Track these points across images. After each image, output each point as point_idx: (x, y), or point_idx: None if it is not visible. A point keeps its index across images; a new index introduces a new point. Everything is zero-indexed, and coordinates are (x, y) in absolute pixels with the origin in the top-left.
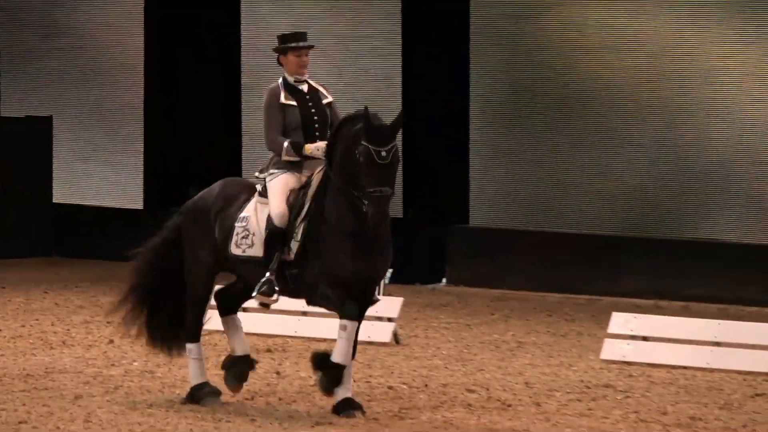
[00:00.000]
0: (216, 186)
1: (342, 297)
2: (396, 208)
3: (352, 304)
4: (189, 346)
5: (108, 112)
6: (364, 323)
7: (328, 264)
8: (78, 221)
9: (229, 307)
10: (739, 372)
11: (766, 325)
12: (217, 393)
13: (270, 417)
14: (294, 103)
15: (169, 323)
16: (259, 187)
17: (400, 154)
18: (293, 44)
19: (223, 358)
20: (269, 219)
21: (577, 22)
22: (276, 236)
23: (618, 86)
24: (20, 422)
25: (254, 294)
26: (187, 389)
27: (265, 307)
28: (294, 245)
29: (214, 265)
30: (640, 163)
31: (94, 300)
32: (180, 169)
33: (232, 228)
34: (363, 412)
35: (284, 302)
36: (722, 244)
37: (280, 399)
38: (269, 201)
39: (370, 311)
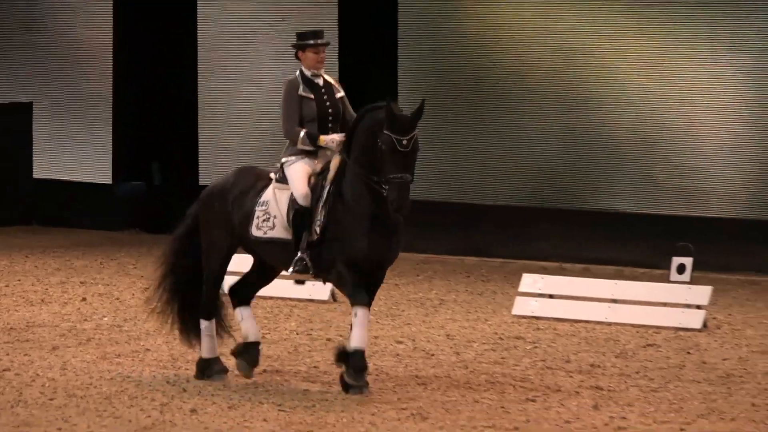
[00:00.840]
0: (231, 175)
1: (355, 282)
2: None
3: (363, 292)
4: (203, 323)
5: (81, 98)
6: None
7: (345, 244)
8: (55, 194)
9: (243, 299)
10: (632, 325)
11: (656, 285)
12: (225, 371)
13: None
14: (311, 96)
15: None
16: (273, 175)
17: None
18: (312, 41)
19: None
20: (293, 200)
21: (493, 17)
22: (302, 216)
23: (529, 75)
24: (4, 370)
25: (290, 271)
26: (196, 363)
27: (300, 283)
28: (317, 226)
29: (231, 247)
30: (548, 143)
31: (69, 263)
32: (143, 148)
33: (252, 212)
34: (363, 380)
35: (235, 261)
36: (618, 214)
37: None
38: (291, 184)
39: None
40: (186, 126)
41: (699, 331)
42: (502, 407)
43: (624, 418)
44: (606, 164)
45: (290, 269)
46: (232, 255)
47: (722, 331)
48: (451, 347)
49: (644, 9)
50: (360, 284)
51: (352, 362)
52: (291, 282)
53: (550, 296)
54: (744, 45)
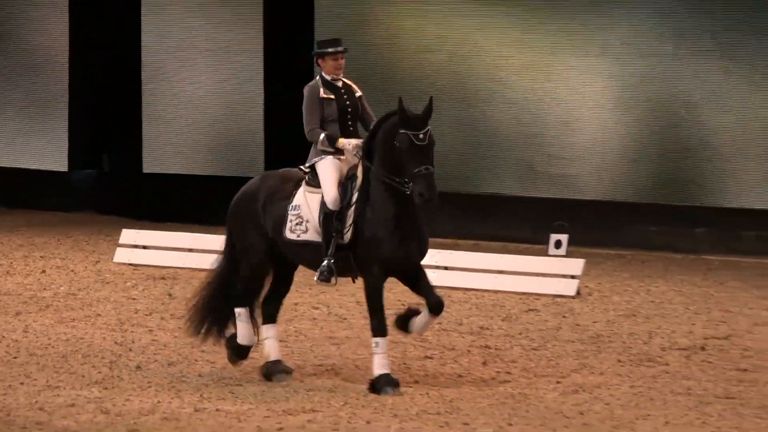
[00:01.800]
0: (257, 180)
1: (380, 312)
2: (258, 168)
3: (384, 322)
4: (238, 310)
5: (41, 98)
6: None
7: (375, 247)
8: (18, 180)
9: (270, 317)
10: (516, 293)
11: (537, 258)
12: (246, 352)
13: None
14: (332, 96)
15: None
16: (306, 173)
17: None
18: (331, 49)
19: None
20: (323, 204)
21: (397, 25)
22: (331, 220)
23: (428, 75)
24: None
25: (315, 280)
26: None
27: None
28: (347, 231)
29: (267, 248)
30: (445, 135)
31: (30, 240)
32: (95, 140)
33: (285, 216)
34: (398, 388)
35: (174, 239)
36: (503, 197)
37: (172, 315)
38: (322, 184)
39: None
40: (131, 121)
41: (573, 297)
42: (404, 363)
43: (509, 372)
44: (493, 153)
45: (315, 278)
46: (269, 254)
47: (593, 297)
48: (360, 312)
49: (526, 19)
50: (384, 314)
51: (382, 383)
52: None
53: (446, 268)
54: (611, 50)
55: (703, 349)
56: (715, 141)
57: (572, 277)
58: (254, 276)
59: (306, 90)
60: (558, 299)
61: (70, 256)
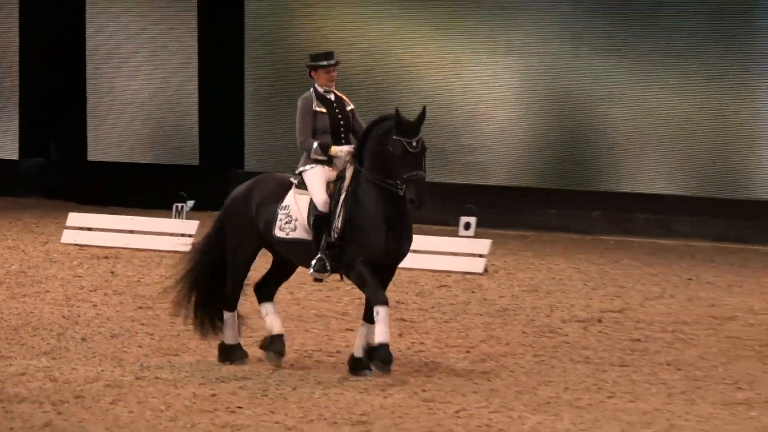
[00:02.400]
0: (252, 182)
1: (374, 284)
2: (193, 157)
3: (382, 291)
4: (227, 313)
5: None
6: (171, 239)
7: (363, 244)
8: None
9: (267, 296)
10: (429, 270)
11: (448, 238)
12: (245, 355)
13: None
14: (324, 110)
15: (213, 307)
16: (294, 180)
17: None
18: (325, 62)
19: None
20: (313, 206)
21: (321, 27)
22: (321, 220)
23: (349, 72)
24: None
25: (310, 271)
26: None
27: (319, 281)
28: (336, 228)
29: (256, 247)
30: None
31: None
32: (44, 131)
33: (275, 215)
34: (388, 367)
35: (116, 221)
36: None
37: (113, 292)
38: (311, 191)
39: (170, 229)
40: (77, 113)
41: (481, 275)
42: (327, 335)
43: (422, 343)
44: None
45: (310, 269)
46: (256, 254)
47: (499, 274)
48: (286, 288)
49: (438, 21)
50: (378, 285)
51: (378, 355)
52: (161, 236)
53: None
54: (515, 49)
55: (599, 321)
56: (609, 131)
57: (480, 256)
58: (240, 275)
59: (300, 102)
60: (467, 276)
61: (20, 238)
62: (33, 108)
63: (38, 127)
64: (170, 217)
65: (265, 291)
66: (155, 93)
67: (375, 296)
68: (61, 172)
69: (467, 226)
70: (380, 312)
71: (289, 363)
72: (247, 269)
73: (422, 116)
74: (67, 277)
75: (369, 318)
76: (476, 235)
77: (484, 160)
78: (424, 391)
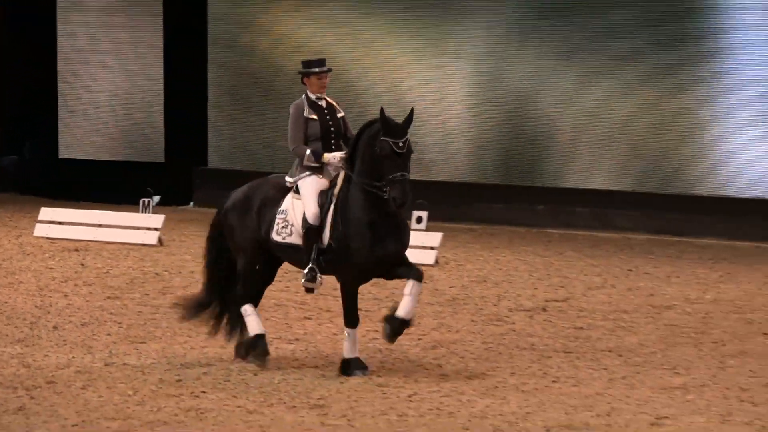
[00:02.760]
0: (251, 186)
1: (351, 307)
2: (159, 154)
3: (355, 314)
4: (244, 307)
5: None
6: (138, 233)
7: (352, 248)
8: None
9: (253, 300)
10: None
11: None
12: (266, 351)
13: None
14: (315, 116)
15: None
16: (290, 183)
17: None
18: (317, 69)
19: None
20: (304, 218)
21: (279, 33)
22: (312, 232)
23: None
24: None
25: (302, 282)
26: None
27: (310, 291)
28: (326, 236)
29: (258, 247)
30: None
31: None
32: (18, 131)
33: (273, 219)
34: (366, 370)
35: (85, 215)
36: None
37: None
38: (303, 202)
39: (137, 223)
40: (49, 113)
41: (432, 266)
42: (286, 323)
43: (376, 331)
44: None
45: (302, 280)
46: (261, 253)
47: (449, 266)
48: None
49: (391, 25)
50: (356, 310)
51: (353, 367)
52: (129, 230)
53: None
54: (464, 53)
55: (544, 310)
56: (553, 130)
57: (431, 248)
58: (251, 272)
59: (292, 108)
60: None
61: None
62: (8, 108)
63: (13, 127)
64: (137, 211)
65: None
66: (123, 94)
67: (350, 319)
68: (34, 169)
69: (419, 219)
70: (350, 333)
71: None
72: (257, 265)
73: (410, 118)
74: (40, 268)
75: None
76: (428, 229)
77: (436, 158)
78: (378, 376)
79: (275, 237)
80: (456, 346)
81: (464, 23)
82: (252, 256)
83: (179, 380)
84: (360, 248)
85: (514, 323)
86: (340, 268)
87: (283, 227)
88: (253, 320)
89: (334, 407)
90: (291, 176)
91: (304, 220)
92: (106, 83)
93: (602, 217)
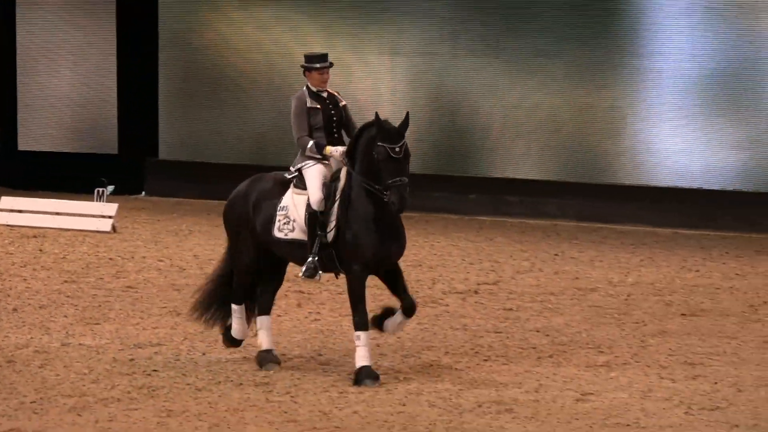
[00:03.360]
0: (249, 182)
1: (362, 309)
2: (112, 146)
3: (366, 317)
4: (234, 307)
5: None
6: (93, 220)
7: (355, 245)
8: None
9: (265, 308)
10: None
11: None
12: (237, 342)
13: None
14: (318, 106)
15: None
16: (290, 176)
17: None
18: (318, 64)
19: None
20: (308, 205)
21: (225, 30)
22: (315, 219)
23: (250, 68)
24: None
25: (300, 275)
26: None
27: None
28: (330, 231)
29: (256, 245)
30: (263, 114)
31: None
32: None
33: (274, 215)
34: (378, 381)
35: (44, 204)
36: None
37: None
38: (308, 189)
39: (92, 211)
40: (9, 107)
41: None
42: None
43: (319, 313)
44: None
45: (300, 273)
46: (259, 251)
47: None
48: (197, 264)
49: (331, 24)
50: (366, 310)
51: (365, 376)
52: (84, 217)
53: None
54: (400, 49)
55: (476, 292)
56: (485, 123)
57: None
58: (247, 273)
59: (294, 100)
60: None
61: None
62: None
63: None
64: (92, 200)
65: (263, 303)
66: (79, 89)
67: (360, 321)
68: None
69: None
70: (361, 337)
71: (199, 330)
72: (254, 265)
73: (405, 122)
74: (0, 254)
75: (379, 323)
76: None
77: None
78: (320, 355)
79: (277, 234)
80: None
81: (400, 21)
82: (248, 257)
83: (132, 359)
84: (368, 244)
85: (447, 305)
86: (346, 263)
87: (284, 223)
88: (263, 334)
89: (279, 384)
90: (294, 166)
91: (308, 206)
92: (62, 79)
93: (530, 205)
